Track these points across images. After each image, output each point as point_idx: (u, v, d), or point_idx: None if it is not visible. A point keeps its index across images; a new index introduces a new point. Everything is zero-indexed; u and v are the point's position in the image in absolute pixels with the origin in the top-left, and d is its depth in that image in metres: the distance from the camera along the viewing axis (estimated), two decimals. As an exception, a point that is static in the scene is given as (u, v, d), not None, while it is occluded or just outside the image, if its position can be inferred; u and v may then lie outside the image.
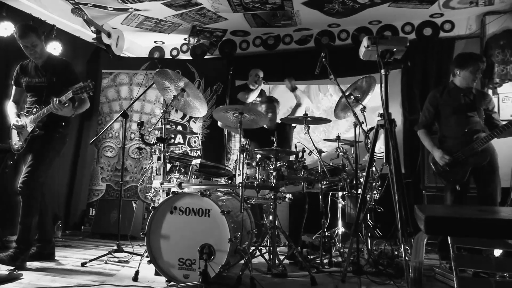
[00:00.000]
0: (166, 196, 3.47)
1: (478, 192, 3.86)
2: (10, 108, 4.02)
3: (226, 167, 4.08)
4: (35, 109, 3.80)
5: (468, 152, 3.77)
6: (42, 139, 3.82)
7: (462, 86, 3.93)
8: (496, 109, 4.06)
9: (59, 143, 3.95)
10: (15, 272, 3.25)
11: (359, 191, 3.51)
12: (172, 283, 3.15)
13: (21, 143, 3.85)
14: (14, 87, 4.05)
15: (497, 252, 3.01)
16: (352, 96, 3.96)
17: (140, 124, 3.87)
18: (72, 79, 3.89)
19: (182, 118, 6.48)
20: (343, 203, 4.43)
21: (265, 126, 4.85)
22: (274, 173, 3.55)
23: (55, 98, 3.63)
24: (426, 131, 4.09)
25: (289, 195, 3.83)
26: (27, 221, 3.73)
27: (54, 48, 5.41)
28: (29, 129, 3.81)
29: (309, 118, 4.03)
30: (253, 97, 5.78)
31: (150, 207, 3.30)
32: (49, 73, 3.86)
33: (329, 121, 4.40)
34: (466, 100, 3.90)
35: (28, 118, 3.83)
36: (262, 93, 5.99)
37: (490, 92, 5.57)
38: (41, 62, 3.89)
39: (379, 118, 3.18)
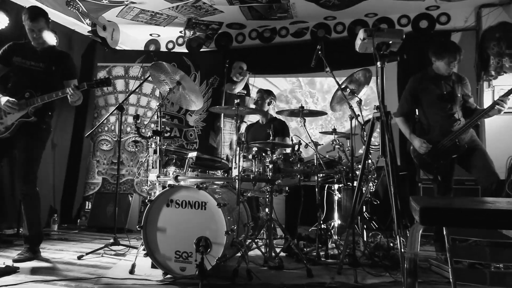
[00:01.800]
0: (162, 189, 3.47)
1: (473, 171, 3.83)
2: None
3: (223, 160, 4.08)
4: (28, 94, 3.65)
5: (449, 143, 3.78)
6: (29, 132, 3.70)
7: (439, 73, 3.94)
8: (470, 93, 4.05)
9: (46, 134, 3.88)
10: (11, 265, 3.25)
11: (355, 183, 3.53)
12: (168, 275, 3.16)
13: (3, 127, 3.67)
14: None
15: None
16: (348, 89, 3.96)
17: (136, 117, 3.86)
18: (71, 72, 3.88)
19: (178, 111, 6.47)
20: (339, 195, 4.44)
21: (259, 121, 4.86)
22: (271, 166, 3.55)
23: (72, 85, 3.59)
24: (404, 119, 4.09)
25: (285, 188, 3.83)
26: (34, 217, 3.79)
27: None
28: (20, 113, 3.66)
29: (305, 111, 4.04)
30: (239, 88, 5.83)
31: (146, 200, 3.29)
32: (48, 60, 3.76)
33: (325, 113, 4.42)
34: (447, 88, 3.91)
35: (17, 103, 3.61)
36: (247, 85, 6.01)
37: (485, 84, 5.59)
38: (41, 48, 3.78)
39: (375, 111, 3.19)
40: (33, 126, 3.73)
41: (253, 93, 5.76)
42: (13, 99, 3.61)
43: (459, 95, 3.91)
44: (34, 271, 3.33)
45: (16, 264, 3.33)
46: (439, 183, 3.90)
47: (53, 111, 3.87)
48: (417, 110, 4.11)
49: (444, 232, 2.17)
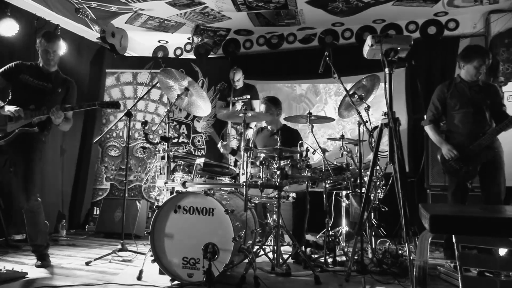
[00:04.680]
0: (170, 195, 3.47)
1: (483, 191, 3.84)
2: None
3: (230, 166, 4.08)
4: (33, 106, 3.67)
5: (477, 148, 3.75)
6: (27, 143, 3.71)
7: (467, 79, 3.91)
8: (503, 101, 4.00)
9: (44, 146, 3.89)
10: (19, 271, 3.26)
11: (363, 190, 3.51)
12: (176, 282, 3.15)
13: (0, 133, 3.64)
14: None
15: (502, 251, 3.00)
16: (356, 95, 3.95)
17: (144, 123, 3.88)
18: (72, 99, 3.95)
19: (186, 117, 6.49)
20: (347, 202, 4.42)
21: (268, 128, 4.82)
22: (278, 172, 3.54)
23: (55, 107, 3.64)
24: (434, 125, 4.06)
25: (292, 194, 3.82)
26: (38, 227, 3.79)
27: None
28: (23, 122, 3.64)
29: (313, 117, 4.03)
30: (226, 110, 5.82)
31: (154, 206, 3.30)
32: (55, 82, 3.84)
33: (333, 119, 4.41)
34: (472, 94, 3.86)
35: (22, 111, 3.60)
36: (248, 87, 6.08)
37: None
38: (49, 71, 3.85)
39: (383, 117, 3.17)
40: (33, 138, 3.73)
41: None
42: (19, 108, 3.60)
43: (487, 101, 3.86)
44: (42, 276, 3.34)
45: (25, 269, 3.34)
46: (460, 192, 3.86)
47: (51, 126, 3.88)
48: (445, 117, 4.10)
49: (454, 240, 2.15)
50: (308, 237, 4.55)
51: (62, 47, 3.89)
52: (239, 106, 5.82)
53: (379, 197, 4.15)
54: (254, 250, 3.54)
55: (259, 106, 5.62)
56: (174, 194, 3.31)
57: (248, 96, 5.95)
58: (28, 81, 3.76)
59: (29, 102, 3.70)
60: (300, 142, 4.08)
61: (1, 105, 3.64)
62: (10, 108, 3.58)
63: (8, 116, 3.62)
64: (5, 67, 3.79)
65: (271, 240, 3.91)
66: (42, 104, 3.71)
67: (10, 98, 3.77)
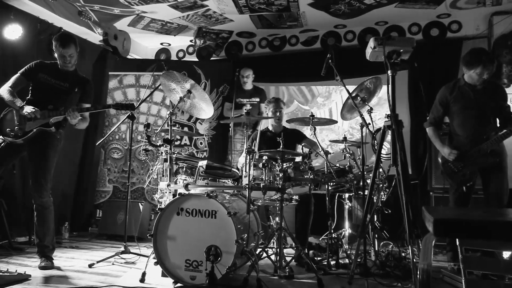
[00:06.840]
0: (173, 197, 3.47)
1: (485, 193, 3.82)
2: (9, 92, 3.76)
3: (232, 169, 4.08)
4: (51, 106, 3.73)
5: (477, 154, 3.72)
6: (44, 141, 3.77)
7: (471, 82, 3.86)
8: (508, 101, 3.96)
9: (59, 144, 3.93)
10: (23, 273, 3.26)
11: (366, 192, 3.50)
12: (179, 284, 3.15)
13: (20, 132, 3.72)
14: (19, 76, 3.84)
15: (506, 254, 2.99)
16: (358, 97, 3.94)
17: (147, 125, 3.88)
18: (89, 97, 4.02)
19: (189, 120, 6.49)
20: (350, 204, 4.41)
21: (271, 130, 4.81)
22: (281, 175, 3.54)
23: (70, 109, 3.71)
24: (435, 128, 4.03)
25: (295, 197, 3.81)
26: (47, 225, 3.81)
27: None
28: (41, 122, 3.70)
29: (315, 119, 4.03)
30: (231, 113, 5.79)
31: (157, 209, 3.30)
32: (72, 82, 3.89)
33: (335, 122, 4.40)
34: (476, 96, 3.81)
35: (39, 112, 3.67)
36: (258, 90, 6.09)
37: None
38: (66, 71, 3.89)
39: (386, 119, 3.17)
40: (49, 136, 3.79)
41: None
42: (37, 109, 3.67)
43: (492, 104, 3.80)
44: (45, 279, 3.34)
45: (28, 272, 3.34)
46: (459, 194, 3.84)
47: (66, 123, 3.92)
48: (447, 119, 4.07)
49: (457, 243, 2.14)
50: (311, 239, 4.54)
51: (77, 49, 3.89)
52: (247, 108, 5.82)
53: (382, 199, 4.14)
54: (257, 252, 3.53)
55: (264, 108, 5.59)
56: (177, 196, 3.31)
57: (257, 99, 5.93)
58: (46, 80, 3.83)
59: (47, 102, 3.77)
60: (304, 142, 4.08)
61: (21, 105, 3.70)
62: (27, 110, 3.64)
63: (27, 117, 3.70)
64: (26, 66, 3.88)
65: (273, 243, 3.91)
66: (59, 103, 3.77)
67: (29, 96, 3.83)
